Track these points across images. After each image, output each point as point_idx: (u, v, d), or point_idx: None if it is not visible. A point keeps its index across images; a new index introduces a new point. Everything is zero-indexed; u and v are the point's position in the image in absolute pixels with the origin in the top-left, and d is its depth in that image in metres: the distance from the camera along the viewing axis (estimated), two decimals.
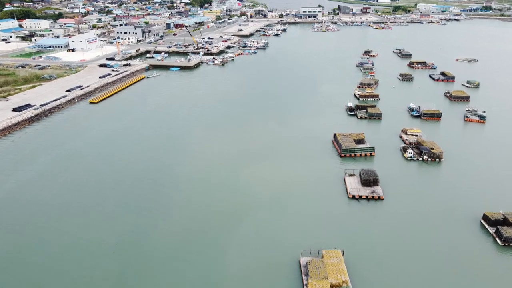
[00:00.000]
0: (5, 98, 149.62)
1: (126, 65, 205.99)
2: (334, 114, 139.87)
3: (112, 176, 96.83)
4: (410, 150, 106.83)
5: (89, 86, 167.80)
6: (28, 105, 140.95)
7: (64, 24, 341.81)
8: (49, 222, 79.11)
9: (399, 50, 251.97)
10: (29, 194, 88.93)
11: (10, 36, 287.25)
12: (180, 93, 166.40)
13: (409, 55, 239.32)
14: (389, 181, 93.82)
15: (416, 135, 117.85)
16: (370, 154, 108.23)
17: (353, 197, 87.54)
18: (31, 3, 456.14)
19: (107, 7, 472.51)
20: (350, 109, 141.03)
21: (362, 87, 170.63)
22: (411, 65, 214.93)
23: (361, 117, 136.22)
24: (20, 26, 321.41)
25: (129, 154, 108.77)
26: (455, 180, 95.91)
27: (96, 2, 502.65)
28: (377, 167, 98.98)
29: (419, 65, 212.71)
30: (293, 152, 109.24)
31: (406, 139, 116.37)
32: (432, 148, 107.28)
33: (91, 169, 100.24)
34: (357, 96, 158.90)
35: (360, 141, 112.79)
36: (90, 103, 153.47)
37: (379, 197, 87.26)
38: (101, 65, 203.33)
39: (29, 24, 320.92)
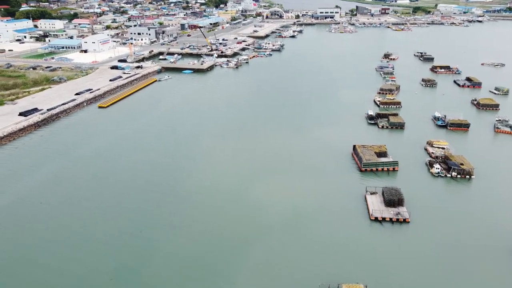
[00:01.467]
0: (13, 101, 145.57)
1: (137, 67, 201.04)
2: (353, 123, 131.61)
3: (115, 188, 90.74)
4: (437, 166, 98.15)
5: (99, 89, 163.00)
6: (35, 109, 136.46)
7: (79, 24, 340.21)
8: (41, 243, 73.22)
9: (421, 53, 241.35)
10: (26, 208, 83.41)
11: (25, 37, 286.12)
12: (191, 97, 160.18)
13: (431, 59, 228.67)
14: (415, 201, 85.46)
15: (443, 148, 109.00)
16: (393, 168, 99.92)
17: (376, 219, 79.56)
18: (47, 3, 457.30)
19: (122, 7, 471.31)
20: (370, 118, 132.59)
21: (383, 93, 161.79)
22: (434, 69, 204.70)
23: (382, 126, 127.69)
24: (35, 26, 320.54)
25: (135, 164, 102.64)
26: (489, 201, 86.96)
27: (112, 2, 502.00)
28: (401, 184, 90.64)
29: (443, 70, 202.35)
30: (309, 165, 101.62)
31: (432, 153, 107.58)
32: (462, 164, 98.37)
33: (94, 181, 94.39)
34: (378, 103, 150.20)
35: (382, 154, 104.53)
36: (99, 107, 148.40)
37: (404, 220, 79.12)
38: (113, 67, 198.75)
39: (44, 24, 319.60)
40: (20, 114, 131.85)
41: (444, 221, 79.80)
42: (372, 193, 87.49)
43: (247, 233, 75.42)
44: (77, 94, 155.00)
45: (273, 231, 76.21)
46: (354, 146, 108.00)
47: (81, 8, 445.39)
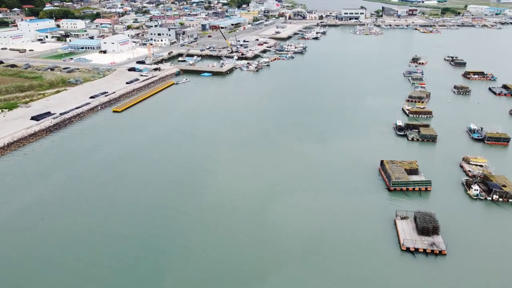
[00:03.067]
0: (27, 104, 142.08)
1: (155, 69, 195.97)
2: (380, 134, 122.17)
3: (123, 203, 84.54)
4: (475, 187, 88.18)
5: (114, 92, 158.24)
6: (48, 113, 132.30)
7: (100, 24, 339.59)
8: (38, 263, 67.46)
9: (451, 57, 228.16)
10: (27, 223, 78.07)
11: (46, 36, 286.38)
12: (209, 102, 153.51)
13: (463, 64, 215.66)
14: (452, 228, 76.03)
15: (482, 166, 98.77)
16: (426, 189, 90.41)
17: (407, 249, 70.68)
18: (70, 3, 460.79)
19: (144, 7, 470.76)
20: (399, 128, 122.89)
21: (412, 101, 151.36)
22: (466, 75, 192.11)
23: (412, 139, 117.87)
24: (58, 26, 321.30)
25: (145, 175, 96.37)
26: None
27: (134, 2, 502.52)
28: (435, 208, 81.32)
29: (476, 76, 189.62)
30: (332, 182, 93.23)
31: (469, 171, 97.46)
32: (504, 186, 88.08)
33: (102, 193, 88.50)
34: (407, 112, 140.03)
35: (412, 171, 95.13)
36: (113, 111, 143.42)
37: (440, 252, 69.93)
38: (130, 69, 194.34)
39: (66, 24, 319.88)
40: (32, 118, 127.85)
41: (486, 254, 70.25)
42: (402, 218, 78.54)
43: (264, 261, 67.79)
44: (91, 97, 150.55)
45: (293, 260, 68.38)
46: (382, 162, 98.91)
47: (104, 8, 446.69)
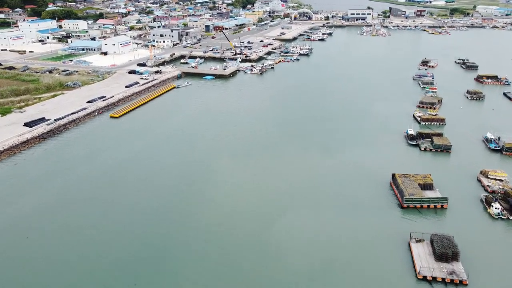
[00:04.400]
0: (21, 109, 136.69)
1: (156, 72, 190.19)
2: (391, 143, 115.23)
3: (115, 217, 78.50)
4: (496, 205, 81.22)
5: (113, 96, 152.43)
6: (42, 119, 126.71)
7: (103, 25, 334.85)
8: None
9: (462, 60, 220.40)
10: (10, 241, 72.18)
11: (47, 37, 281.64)
12: (211, 107, 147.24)
13: (475, 67, 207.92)
14: (473, 253, 69.24)
15: (501, 180, 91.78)
16: (442, 206, 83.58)
17: (424, 278, 63.94)
18: (73, 3, 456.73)
19: (148, 7, 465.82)
20: (411, 137, 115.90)
21: (423, 107, 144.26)
22: (479, 79, 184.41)
23: (425, 149, 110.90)
24: (60, 26, 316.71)
25: (140, 186, 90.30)
26: None
27: (138, 2, 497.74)
28: (454, 229, 74.59)
29: (489, 80, 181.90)
30: (339, 198, 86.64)
31: (488, 186, 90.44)
32: None
33: (96, 205, 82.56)
34: (418, 119, 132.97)
35: (426, 186, 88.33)
36: (111, 117, 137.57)
37: (461, 282, 63.16)
38: (130, 72, 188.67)
39: (68, 25, 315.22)
40: (25, 124, 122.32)
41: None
42: (418, 241, 71.80)
43: None
44: (89, 102, 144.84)
45: None
46: (394, 175, 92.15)
47: (107, 8, 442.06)
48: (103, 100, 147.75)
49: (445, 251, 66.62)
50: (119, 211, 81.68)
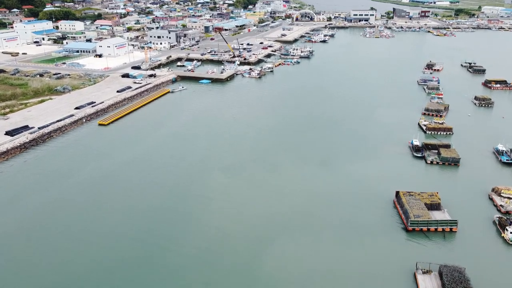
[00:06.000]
0: (5, 116, 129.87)
1: (151, 75, 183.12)
2: (395, 155, 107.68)
3: (104, 235, 71.36)
4: (511, 228, 73.63)
5: (103, 102, 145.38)
6: (25, 127, 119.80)
7: (101, 25, 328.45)
8: None
9: (469, 63, 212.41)
10: None
11: (43, 39, 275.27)
12: (205, 114, 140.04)
13: (483, 71, 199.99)
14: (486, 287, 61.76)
15: None
16: (451, 229, 76.06)
17: None
18: (72, 3, 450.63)
19: (148, 7, 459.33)
20: (416, 149, 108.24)
21: (429, 115, 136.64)
22: (487, 84, 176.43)
23: (431, 162, 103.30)
24: (57, 27, 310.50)
25: (123, 205, 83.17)
26: None
27: (138, 2, 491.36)
28: (464, 257, 67.21)
29: (498, 85, 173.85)
30: (337, 219, 79.23)
31: (501, 206, 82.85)
32: None
33: (77, 224, 75.47)
34: (423, 127, 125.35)
35: (434, 206, 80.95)
36: (99, 124, 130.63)
37: None
38: (124, 76, 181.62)
39: (64, 25, 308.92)
40: (7, 133, 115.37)
41: None
42: (425, 272, 64.33)
43: None
44: (77, 108, 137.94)
45: None
46: (398, 193, 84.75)
47: (106, 8, 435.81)
48: (92, 106, 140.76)
49: (456, 287, 59.08)
50: (101, 232, 74.55)
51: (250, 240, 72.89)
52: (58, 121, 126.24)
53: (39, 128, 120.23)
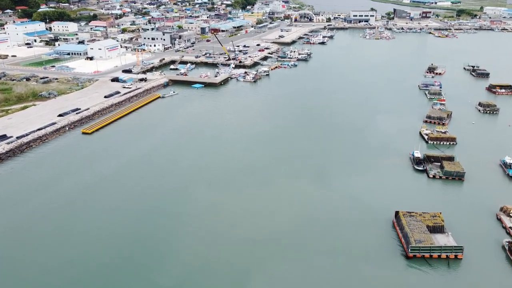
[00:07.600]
0: None
1: (141, 79, 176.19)
2: (394, 169, 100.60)
3: (75, 261, 64.53)
4: None
5: (88, 109, 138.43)
6: (3, 137, 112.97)
7: (95, 26, 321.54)
8: None
9: (472, 66, 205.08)
10: None
11: (35, 40, 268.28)
12: (195, 121, 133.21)
13: (486, 75, 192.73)
14: None
15: None
16: (456, 256, 69.08)
17: None
18: (67, 4, 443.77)
19: (144, 8, 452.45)
20: (417, 161, 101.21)
21: (431, 122, 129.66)
22: (491, 89, 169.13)
23: (433, 176, 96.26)
24: (50, 29, 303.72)
25: (102, 225, 76.38)
26: None
27: (134, 3, 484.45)
28: None
29: (503, 90, 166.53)
30: (331, 244, 72.33)
31: (510, 228, 75.84)
32: None
33: (50, 244, 68.64)
34: (425, 137, 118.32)
35: (437, 228, 74.07)
36: (83, 133, 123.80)
37: None
38: (113, 80, 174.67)
39: (57, 27, 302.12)
40: None
41: None
42: None
43: None
44: (60, 115, 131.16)
45: None
46: (397, 213, 77.81)
47: (102, 9, 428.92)
48: (77, 113, 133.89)
49: None
50: (79, 251, 67.66)
51: (234, 268, 66.01)
52: (38, 129, 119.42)
53: (17, 137, 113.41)
